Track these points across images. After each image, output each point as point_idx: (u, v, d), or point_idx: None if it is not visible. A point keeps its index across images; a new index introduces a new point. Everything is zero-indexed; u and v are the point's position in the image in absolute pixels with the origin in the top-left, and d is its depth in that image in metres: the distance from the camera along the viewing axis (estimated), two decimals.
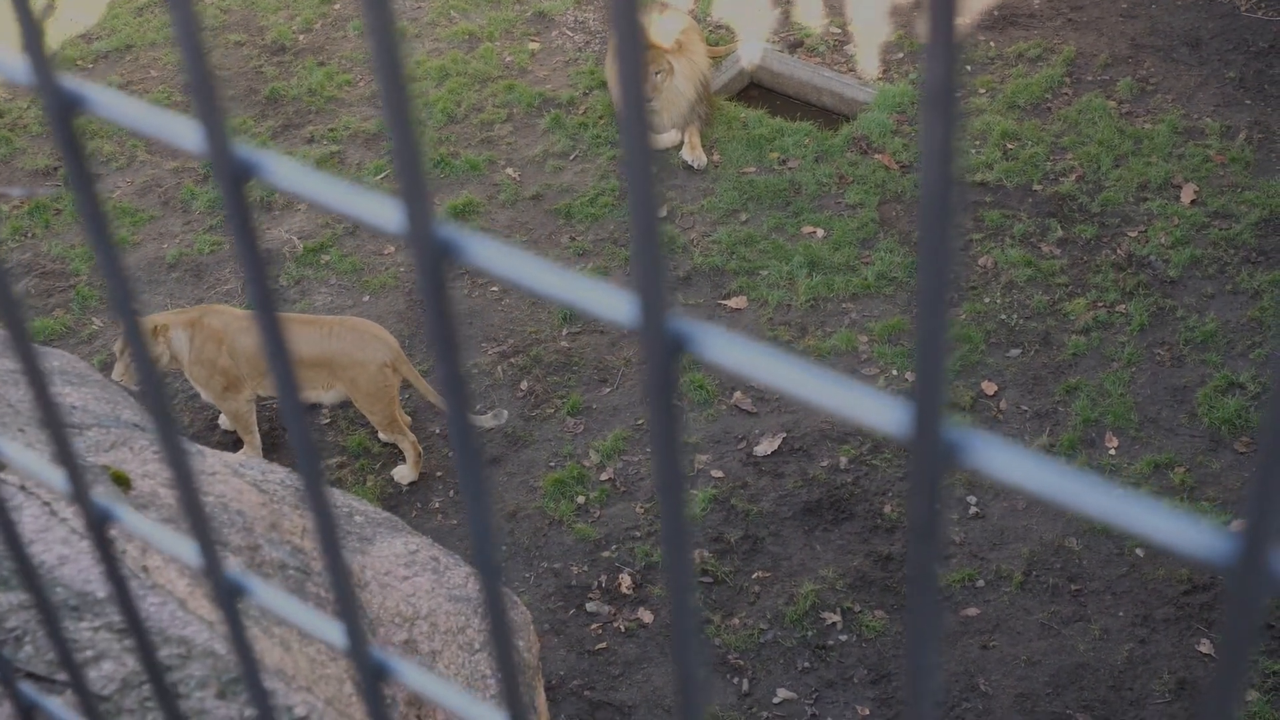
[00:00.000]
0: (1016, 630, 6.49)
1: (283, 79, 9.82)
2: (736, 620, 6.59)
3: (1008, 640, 6.46)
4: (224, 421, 7.47)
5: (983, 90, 9.38)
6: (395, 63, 0.65)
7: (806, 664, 6.46)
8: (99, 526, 1.04)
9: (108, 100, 0.79)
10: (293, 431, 0.83)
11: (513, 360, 7.75)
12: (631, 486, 7.14)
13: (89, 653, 2.44)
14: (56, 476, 1.04)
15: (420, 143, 0.66)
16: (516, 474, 7.23)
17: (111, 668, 2.40)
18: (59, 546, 2.59)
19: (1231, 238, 8.09)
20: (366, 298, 8.10)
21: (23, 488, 2.66)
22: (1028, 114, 9.16)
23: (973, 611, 6.56)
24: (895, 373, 7.56)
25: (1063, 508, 0.57)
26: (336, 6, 10.55)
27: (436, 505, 7.15)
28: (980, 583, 6.66)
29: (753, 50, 9.95)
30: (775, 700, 6.35)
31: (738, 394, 7.49)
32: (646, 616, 6.64)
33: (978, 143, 8.96)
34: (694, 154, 8.98)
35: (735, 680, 6.42)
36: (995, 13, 10.06)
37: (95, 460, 3.17)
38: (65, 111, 0.80)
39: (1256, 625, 0.55)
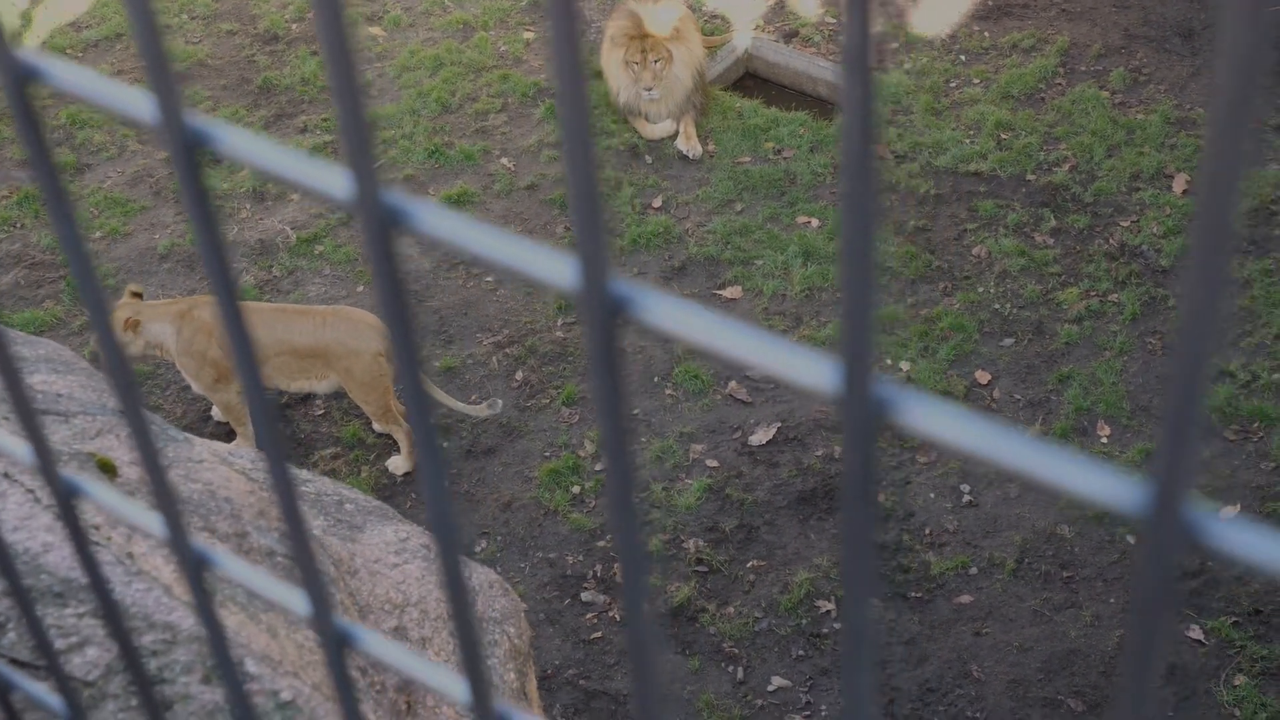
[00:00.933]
0: (1009, 617, 6.51)
1: (275, 68, 9.83)
2: (731, 609, 6.61)
3: (1000, 627, 6.48)
4: (216, 413, 7.47)
5: (977, 80, 9.39)
6: (339, 28, 0.66)
7: (801, 652, 6.47)
8: (66, 501, 1.05)
9: (62, 72, 0.80)
10: (250, 401, 0.84)
11: (508, 351, 7.76)
12: None
13: (74, 639, 2.45)
14: (22, 450, 1.05)
15: (366, 110, 0.67)
16: (512, 464, 7.25)
17: (96, 653, 2.41)
18: (43, 534, 2.60)
19: (1236, 222, 8.10)
20: (361, 288, 8.11)
21: (5, 475, 2.68)
22: (1021, 104, 9.17)
23: (965, 599, 6.57)
24: (890, 362, 7.58)
25: (987, 462, 0.58)
26: None
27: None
28: (973, 570, 6.68)
29: (747, 40, 9.96)
30: (770, 688, 6.37)
31: (733, 384, 7.51)
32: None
33: (972, 132, 8.97)
34: (689, 144, 8.99)
35: (730, 669, 6.44)
36: (989, 3, 10.06)
37: (81, 448, 3.18)
38: (21, 82, 0.81)
39: (1172, 578, 0.56)
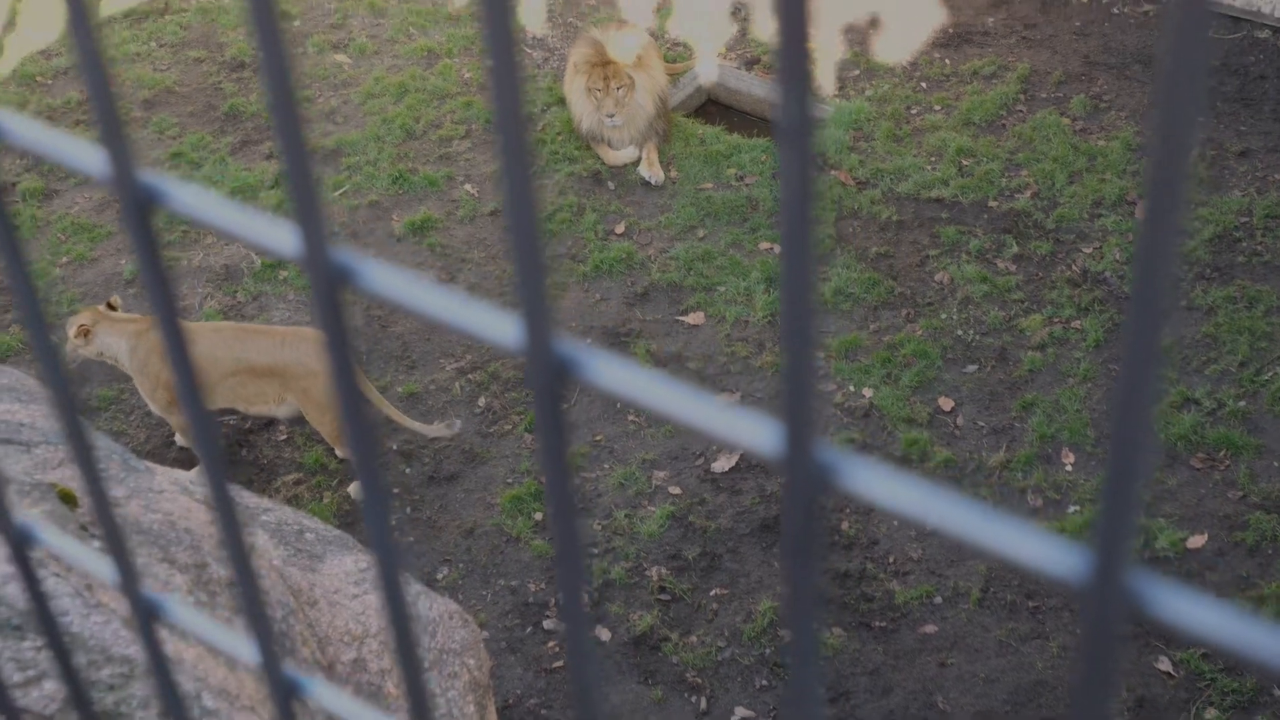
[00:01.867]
0: (974, 648, 6.52)
1: (242, 95, 9.81)
2: (694, 638, 6.60)
3: (966, 658, 6.49)
4: (179, 438, 7.44)
5: (938, 107, 9.44)
6: (287, 86, 0.66)
7: (764, 682, 6.47)
8: (19, 547, 1.05)
9: (17, 127, 0.80)
10: (200, 445, 0.84)
11: (470, 376, 7.76)
12: (589, 503, 7.15)
13: (31, 672, 2.43)
14: None
15: (314, 169, 0.67)
16: (474, 490, 7.23)
17: (54, 687, 2.40)
18: (3, 564, 2.58)
19: (1185, 254, 8.16)
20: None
21: None
22: (983, 131, 9.22)
23: (930, 629, 6.58)
24: (853, 389, 7.60)
25: (930, 528, 0.59)
26: (296, 24, 10.55)
27: (393, 523, 7.13)
28: (938, 599, 6.69)
29: (710, 67, 9.99)
30: (733, 718, 6.36)
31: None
32: (604, 634, 6.64)
33: (933, 159, 9.01)
34: (652, 170, 9.01)
35: (693, 699, 6.43)
36: (950, 30, 10.13)
37: (43, 478, 3.16)
38: None
39: (1115, 644, 0.56)
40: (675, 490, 7.17)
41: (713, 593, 6.77)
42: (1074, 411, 7.39)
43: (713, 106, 9.98)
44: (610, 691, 6.44)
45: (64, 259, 8.50)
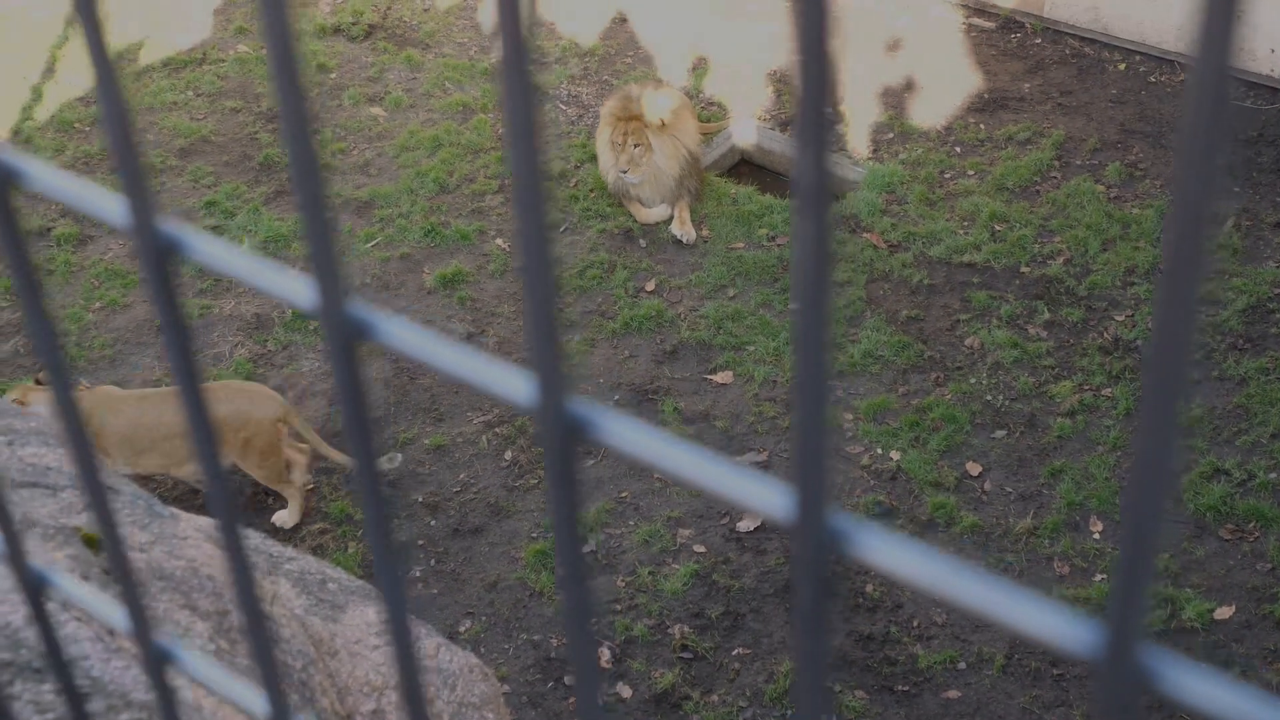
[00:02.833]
0: (998, 714, 6.46)
1: (277, 145, 9.88)
2: (715, 697, 6.56)
3: None
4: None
5: (972, 172, 9.45)
6: (306, 140, 0.67)
7: None
8: (35, 593, 1.04)
9: (41, 174, 0.80)
10: (214, 501, 0.84)
11: (497, 430, 7.76)
12: (613, 559, 7.13)
13: (50, 715, 2.43)
14: None
15: (332, 222, 0.67)
16: (498, 544, 7.22)
17: None
18: (24, 607, 2.58)
19: (1219, 324, 8.13)
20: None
21: None
22: (1016, 196, 9.22)
23: (953, 694, 6.53)
24: (880, 451, 7.57)
25: (942, 599, 0.58)
26: (333, 76, 10.63)
27: (417, 574, 7.13)
28: (962, 665, 6.64)
29: (744, 128, 10.03)
30: None
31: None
32: (625, 691, 6.61)
33: (966, 224, 9.01)
34: (683, 229, 9.03)
35: None
36: (985, 95, 10.15)
37: (67, 522, 3.16)
38: (2, 184, 0.82)
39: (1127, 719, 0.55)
40: (700, 548, 7.15)
41: (735, 652, 6.73)
42: (1103, 479, 7.34)
43: (746, 166, 10.01)
44: None
45: (97, 304, 8.55)
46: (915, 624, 6.79)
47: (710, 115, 10.15)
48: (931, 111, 10.04)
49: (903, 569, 0.58)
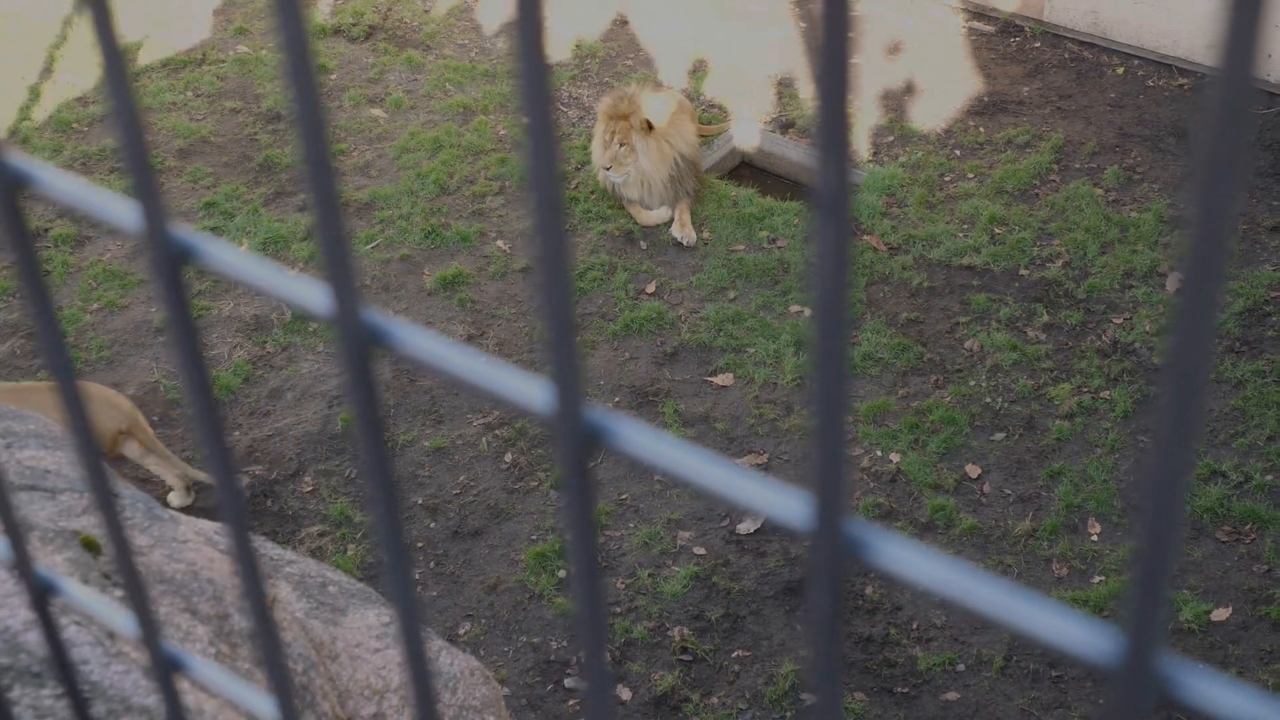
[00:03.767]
0: (996, 716, 6.46)
1: (277, 147, 9.88)
2: (715, 699, 6.56)
3: None
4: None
5: (971, 175, 9.45)
6: (320, 146, 0.66)
7: None
8: (40, 599, 1.04)
9: (51, 178, 0.80)
10: (226, 508, 0.84)
11: (497, 432, 7.75)
12: (612, 561, 7.13)
13: None
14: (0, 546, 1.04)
15: (346, 227, 0.67)
16: (498, 546, 7.22)
17: None
18: (25, 611, 2.58)
19: (1216, 327, 8.12)
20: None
21: None
22: (1015, 199, 9.22)
23: (952, 696, 6.53)
24: (880, 453, 7.57)
25: (957, 605, 0.58)
26: (333, 77, 10.63)
27: (416, 577, 7.13)
28: (960, 667, 6.64)
29: (745, 130, 10.03)
30: None
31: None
32: (625, 694, 6.61)
33: (966, 226, 9.02)
34: (684, 231, 9.03)
35: None
36: (985, 99, 10.15)
37: (67, 525, 3.16)
38: (11, 189, 0.82)
39: None
40: (700, 551, 7.15)
41: (735, 654, 6.73)
42: (1101, 481, 7.35)
43: (747, 169, 10.01)
44: None
45: (94, 306, 8.55)
46: (915, 626, 6.79)
47: (711, 118, 10.15)
48: (931, 114, 10.05)
49: (920, 576, 0.58)
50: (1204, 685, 0.54)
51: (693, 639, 6.78)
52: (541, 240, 0.59)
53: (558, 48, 10.98)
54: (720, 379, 8.07)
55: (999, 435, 7.67)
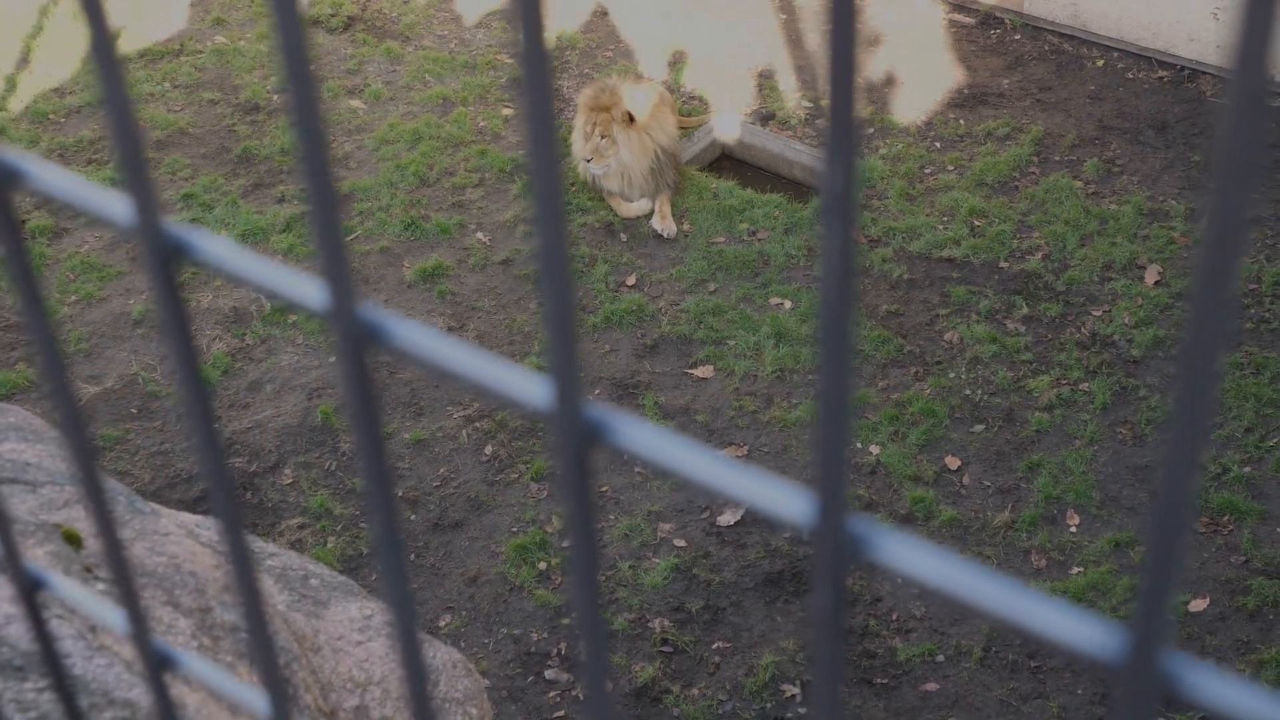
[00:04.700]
0: (975, 706, 6.48)
1: (255, 138, 9.85)
2: (695, 690, 6.57)
3: (966, 716, 6.45)
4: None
5: (951, 167, 9.46)
6: (317, 140, 0.66)
7: None
8: (29, 594, 1.04)
9: (44, 173, 0.80)
10: (218, 505, 0.83)
11: (477, 424, 7.75)
12: None
13: (32, 713, 2.42)
14: None
15: (341, 224, 0.66)
16: (478, 539, 7.21)
17: None
18: (6, 605, 2.57)
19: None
20: (334, 358, 8.09)
21: None
22: (995, 191, 9.24)
23: (932, 686, 6.55)
24: (860, 445, 7.58)
25: (962, 604, 0.58)
26: (311, 68, 10.58)
27: (407, 572, 7.10)
28: (940, 658, 6.65)
29: (726, 122, 10.03)
30: None
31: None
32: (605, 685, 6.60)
33: (946, 219, 9.03)
34: (664, 223, 9.03)
35: None
36: (965, 91, 10.16)
37: (48, 518, 3.15)
38: (3, 184, 0.81)
39: None
40: (680, 543, 7.15)
41: (715, 646, 6.74)
42: (1080, 473, 7.37)
43: (727, 161, 10.01)
44: None
45: (72, 298, 8.52)
46: (894, 617, 6.80)
47: (691, 109, 10.14)
48: (912, 107, 10.06)
49: (922, 573, 0.58)
50: (1207, 681, 0.54)
51: (673, 630, 6.78)
52: (542, 234, 0.59)
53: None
54: (700, 371, 8.07)
55: (978, 427, 7.68)
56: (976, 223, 8.97)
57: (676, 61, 10.65)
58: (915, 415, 7.72)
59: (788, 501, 0.59)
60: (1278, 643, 6.60)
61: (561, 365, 0.61)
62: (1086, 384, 7.86)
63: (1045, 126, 9.75)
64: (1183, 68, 10.14)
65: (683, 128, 9.71)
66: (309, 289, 0.71)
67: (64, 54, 10.60)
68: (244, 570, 0.89)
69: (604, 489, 7.40)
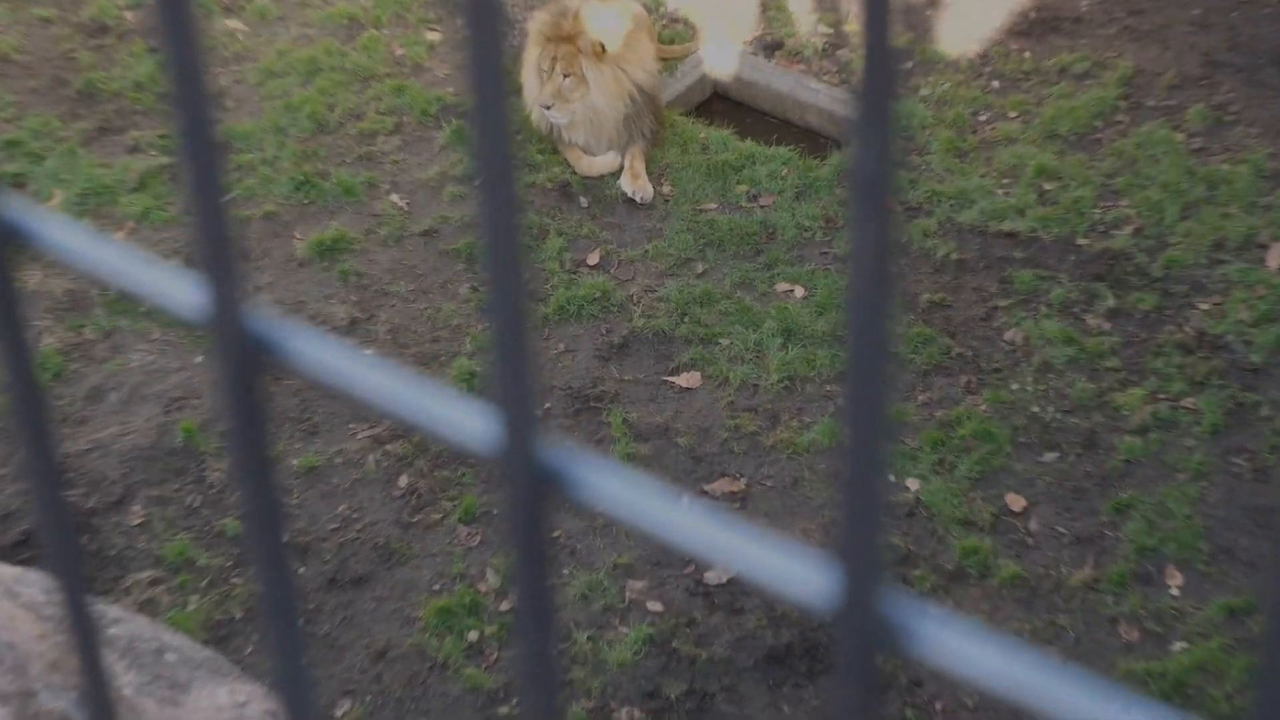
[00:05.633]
0: None
1: (101, 68, 9.83)
2: None
3: None
4: None
5: (1014, 113, 9.49)
6: (199, 96, 0.67)
7: None
8: None
9: None
10: (56, 558, 0.84)
11: (389, 448, 7.74)
12: None
13: None
14: None
15: (229, 212, 0.67)
16: (388, 599, 7.20)
17: None
18: None
19: None
20: (199, 358, 8.07)
21: None
22: (1071, 147, 9.27)
23: None
24: (894, 479, 7.60)
25: (1033, 711, 0.59)
26: None
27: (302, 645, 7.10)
28: None
29: (720, 53, 10.04)
30: None
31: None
32: None
33: (1006, 181, 9.05)
34: (636, 184, 9.03)
35: None
36: (1032, 15, 10.19)
37: None
38: None
39: None
40: (656, 606, 7.15)
41: None
42: (1183, 517, 7.38)
43: (720, 103, 10.03)
44: None
45: None
46: (938, 708, 6.82)
47: (674, 36, 10.15)
48: (962, 34, 10.08)
49: (977, 669, 0.59)
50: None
51: None
52: (490, 229, 0.60)
53: None
54: (684, 379, 8.08)
55: (1050, 455, 7.70)
56: (1047, 187, 9.00)
57: None
58: (966, 439, 7.73)
59: (802, 572, 0.60)
60: None
61: (512, 396, 0.62)
62: (1191, 399, 7.88)
63: (1136, 62, 9.78)
64: None
65: (663, 59, 9.72)
66: (180, 286, 0.72)
67: None
68: (87, 641, 0.89)
69: (555, 534, 7.40)
